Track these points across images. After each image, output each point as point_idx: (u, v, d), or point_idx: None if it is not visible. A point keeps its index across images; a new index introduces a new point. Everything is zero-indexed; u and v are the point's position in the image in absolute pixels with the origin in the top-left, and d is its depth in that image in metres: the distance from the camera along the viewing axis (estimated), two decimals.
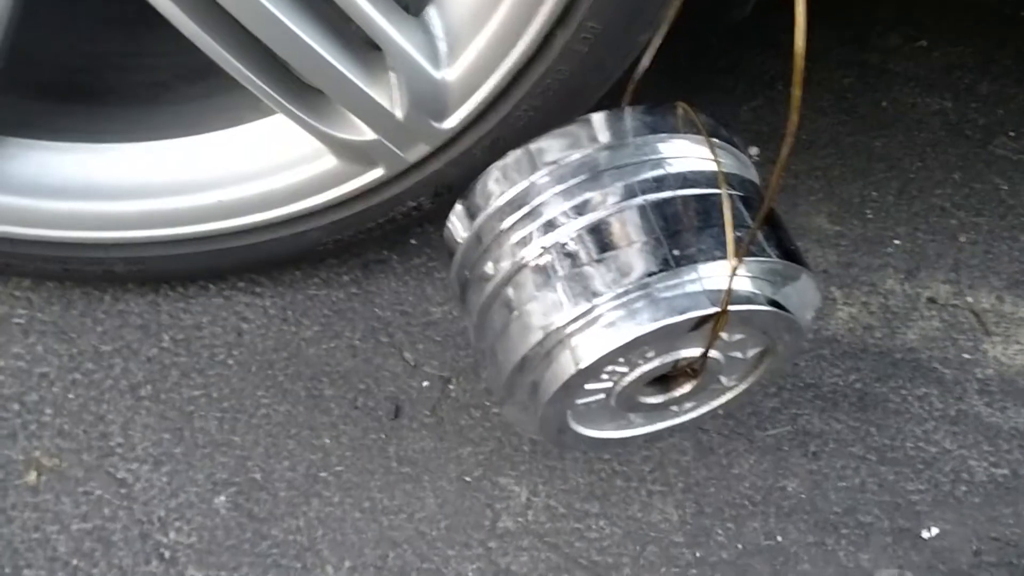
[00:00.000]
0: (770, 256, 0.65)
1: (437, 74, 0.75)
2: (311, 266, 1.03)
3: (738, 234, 0.64)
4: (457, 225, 0.73)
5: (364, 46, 0.75)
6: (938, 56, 1.26)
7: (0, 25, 0.71)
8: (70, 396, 0.94)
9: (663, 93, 1.13)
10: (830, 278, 1.07)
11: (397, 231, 0.94)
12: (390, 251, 1.05)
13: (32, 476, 0.90)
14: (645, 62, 0.71)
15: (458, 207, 0.73)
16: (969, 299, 1.08)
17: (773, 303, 0.65)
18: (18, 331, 0.97)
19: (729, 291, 0.62)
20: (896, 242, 1.11)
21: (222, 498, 0.91)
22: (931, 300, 1.07)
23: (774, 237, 0.66)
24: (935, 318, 1.06)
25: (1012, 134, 1.20)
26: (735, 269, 0.62)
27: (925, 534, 0.95)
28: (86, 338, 0.97)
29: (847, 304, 1.06)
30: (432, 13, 0.74)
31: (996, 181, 1.16)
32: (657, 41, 0.70)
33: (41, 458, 0.91)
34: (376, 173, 0.84)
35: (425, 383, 0.98)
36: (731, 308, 0.63)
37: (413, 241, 1.06)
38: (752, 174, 0.73)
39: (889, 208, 1.13)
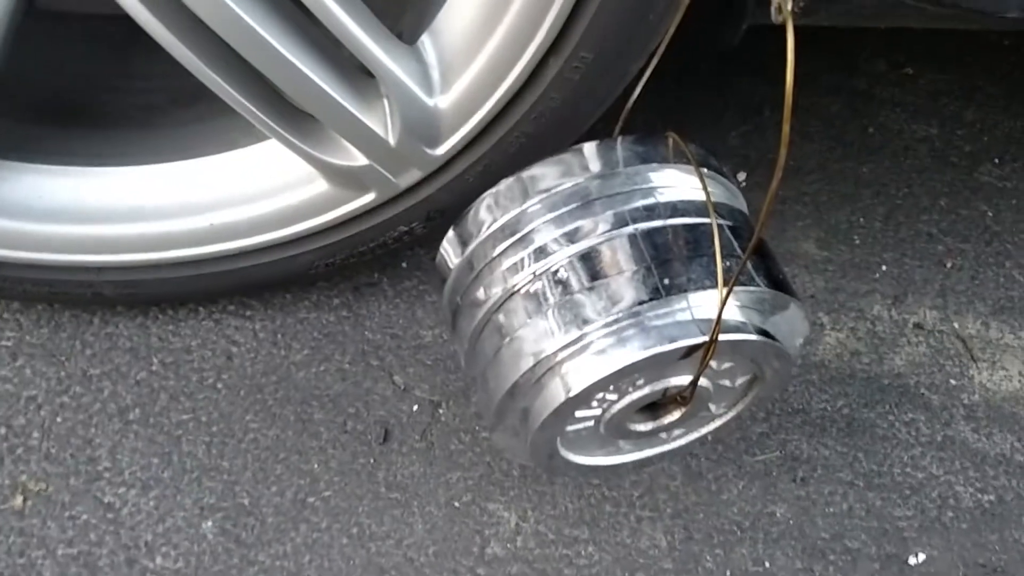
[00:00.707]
0: (759, 285, 0.65)
1: (430, 101, 0.76)
2: (302, 289, 1.03)
3: (727, 263, 0.64)
4: (449, 251, 0.74)
5: (357, 73, 0.76)
6: (924, 83, 1.27)
7: None
8: (58, 420, 0.94)
9: (652, 118, 1.14)
10: (818, 303, 1.08)
11: (388, 255, 0.94)
12: (381, 274, 1.05)
13: (18, 500, 0.90)
14: (636, 92, 0.72)
15: (450, 234, 0.73)
16: (956, 325, 1.09)
17: (762, 332, 0.66)
18: (6, 354, 0.96)
19: (719, 320, 0.62)
20: (883, 268, 1.12)
21: (209, 523, 0.91)
22: (918, 326, 1.08)
23: (763, 267, 0.67)
24: (922, 344, 1.07)
25: (997, 161, 1.21)
26: (725, 299, 0.62)
27: (912, 560, 0.95)
28: (75, 361, 0.97)
29: (835, 329, 1.07)
30: (426, 41, 0.75)
31: (982, 208, 1.17)
32: (648, 72, 0.71)
33: (27, 482, 0.91)
34: (368, 198, 0.84)
35: (415, 407, 0.98)
36: (720, 337, 0.63)
37: (404, 264, 1.06)
38: (741, 203, 0.74)
39: (876, 234, 1.14)
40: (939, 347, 1.07)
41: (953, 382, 1.05)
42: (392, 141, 0.77)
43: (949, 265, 1.13)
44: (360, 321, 1.02)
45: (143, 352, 0.98)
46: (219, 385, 0.97)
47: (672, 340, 0.63)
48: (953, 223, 1.16)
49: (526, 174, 0.69)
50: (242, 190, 0.84)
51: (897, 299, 1.10)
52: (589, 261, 0.66)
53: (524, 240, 0.68)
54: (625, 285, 0.63)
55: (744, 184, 1.15)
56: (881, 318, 1.08)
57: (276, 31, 0.69)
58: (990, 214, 1.17)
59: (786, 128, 0.53)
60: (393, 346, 1.01)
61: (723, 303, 0.62)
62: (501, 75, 0.73)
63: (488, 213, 0.70)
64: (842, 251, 1.12)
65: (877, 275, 1.11)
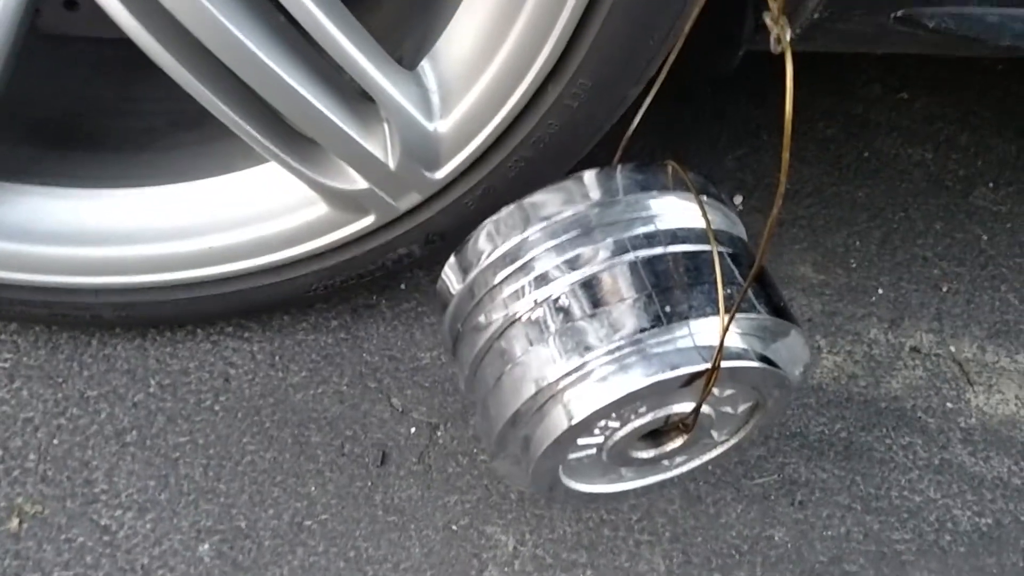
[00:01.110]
0: (760, 313, 0.65)
1: (430, 125, 0.76)
2: (300, 311, 1.03)
3: (728, 291, 0.64)
4: (451, 278, 0.74)
5: (357, 97, 0.76)
6: (919, 108, 1.28)
7: None
8: (55, 442, 0.93)
9: (650, 143, 1.14)
10: (815, 327, 1.08)
11: (387, 276, 0.94)
12: (380, 296, 1.05)
13: (14, 523, 0.89)
14: (636, 120, 0.72)
15: (452, 260, 0.73)
16: (952, 349, 1.09)
17: (763, 359, 0.66)
18: (3, 375, 0.96)
19: (720, 347, 0.62)
20: (879, 291, 1.12)
21: (206, 546, 0.90)
22: (914, 349, 1.09)
23: (764, 294, 0.67)
24: (919, 367, 1.07)
25: (991, 185, 1.22)
26: (726, 326, 0.63)
27: None
28: (72, 383, 0.97)
29: (832, 353, 1.07)
30: (426, 67, 0.75)
31: (977, 232, 1.18)
32: (648, 100, 0.72)
33: (24, 505, 0.90)
34: (367, 221, 0.84)
35: (412, 429, 0.97)
36: (722, 364, 0.63)
37: (403, 286, 1.06)
38: (740, 230, 0.74)
39: (872, 258, 1.15)
40: (936, 370, 1.07)
41: (950, 405, 1.05)
42: (392, 165, 0.77)
43: (945, 289, 1.13)
44: (358, 343, 1.02)
45: (141, 374, 0.98)
46: (216, 407, 0.97)
47: (674, 367, 0.63)
48: (948, 247, 1.17)
49: (527, 201, 0.70)
50: (241, 212, 0.84)
51: (894, 322, 1.10)
52: (590, 289, 0.66)
53: (525, 267, 0.69)
54: (627, 313, 0.64)
55: (741, 208, 1.15)
56: (878, 341, 1.08)
57: (277, 56, 0.70)
58: (985, 238, 1.18)
59: (786, 156, 0.53)
60: (391, 368, 1.01)
61: (724, 330, 0.63)
62: (501, 100, 0.74)
63: (489, 241, 0.71)
64: (839, 274, 1.13)
65: (873, 298, 1.12)
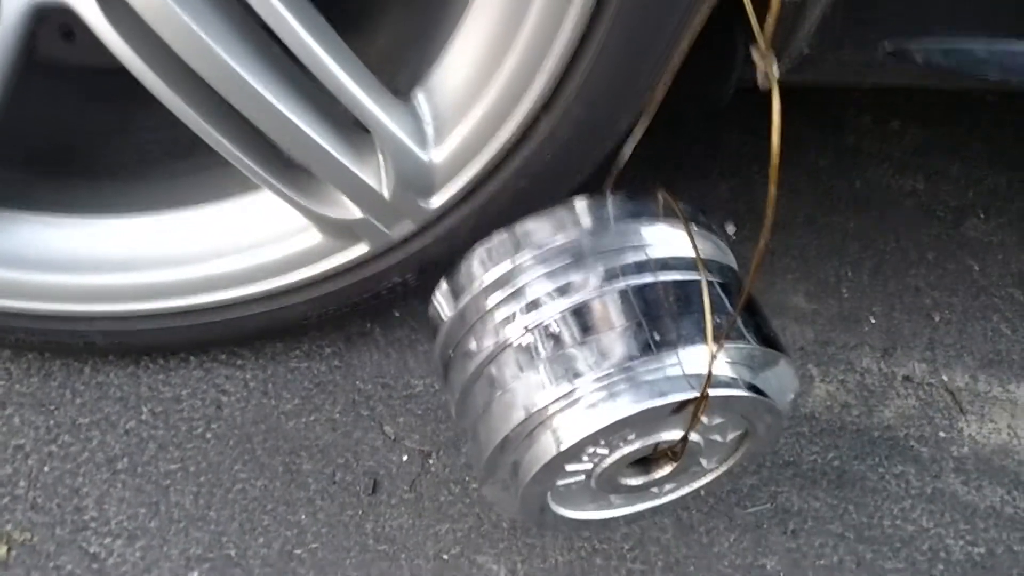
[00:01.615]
0: (749, 342, 0.66)
1: (424, 155, 0.77)
2: (293, 338, 1.03)
3: (717, 319, 0.65)
4: (442, 303, 0.74)
5: (352, 127, 0.77)
6: (910, 138, 1.29)
7: None
8: (45, 469, 0.93)
9: (642, 172, 1.15)
10: (807, 356, 1.09)
11: (381, 304, 0.94)
12: (373, 323, 1.05)
13: (2, 550, 0.89)
14: (627, 151, 0.73)
15: (443, 286, 0.74)
16: (944, 378, 1.09)
17: (752, 388, 0.66)
18: None
19: (709, 376, 0.63)
20: (872, 320, 1.12)
21: (196, 574, 0.90)
22: (907, 378, 1.09)
23: (753, 323, 0.68)
24: (911, 396, 1.08)
25: (982, 216, 1.23)
26: (715, 354, 0.63)
27: None
28: (64, 410, 0.96)
29: (824, 382, 1.07)
30: (420, 98, 0.76)
31: (968, 262, 1.19)
32: (640, 131, 0.72)
33: (12, 532, 0.90)
34: (361, 249, 0.85)
35: (404, 457, 0.97)
36: (711, 392, 0.63)
37: (397, 314, 1.06)
38: (730, 259, 0.75)
39: (864, 287, 1.15)
40: (928, 400, 1.08)
41: (943, 434, 1.06)
42: (387, 194, 0.78)
43: (937, 318, 1.14)
44: (351, 371, 1.02)
45: (133, 401, 0.98)
46: (208, 435, 0.97)
47: (663, 395, 0.63)
48: (940, 277, 1.17)
49: (519, 228, 0.70)
50: (235, 241, 0.85)
51: (886, 351, 1.10)
52: (581, 316, 0.66)
53: (516, 294, 0.69)
54: (616, 340, 0.64)
55: (734, 237, 1.16)
56: (870, 370, 1.09)
57: (274, 86, 0.71)
58: (976, 268, 1.18)
59: (772, 189, 0.54)
60: (384, 396, 1.01)
61: (713, 358, 0.63)
62: (494, 131, 0.75)
63: (481, 266, 0.71)
64: (831, 304, 1.13)
65: (866, 328, 1.12)
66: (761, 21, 0.53)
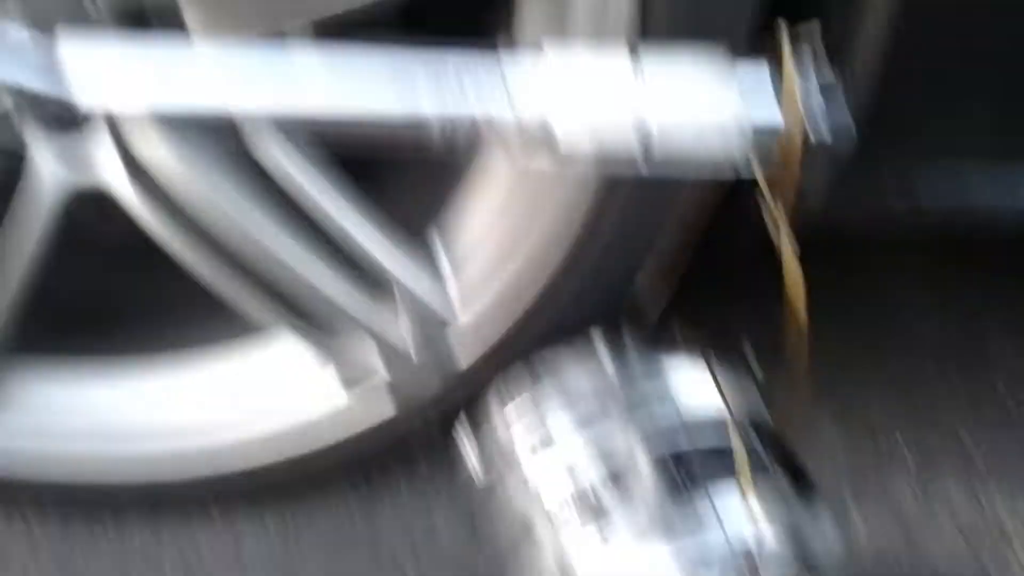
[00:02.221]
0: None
1: (453, 320, 0.79)
2: (315, 486, 1.01)
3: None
4: (468, 450, 0.74)
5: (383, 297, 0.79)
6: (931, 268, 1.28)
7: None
8: None
9: (668, 312, 1.14)
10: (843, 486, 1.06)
11: (408, 453, 0.94)
12: (398, 470, 1.03)
13: None
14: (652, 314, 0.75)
15: (467, 431, 0.75)
16: (987, 509, 1.06)
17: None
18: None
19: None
20: (906, 452, 1.10)
21: None
22: (949, 510, 1.05)
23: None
24: (955, 530, 1.04)
25: (1013, 342, 1.21)
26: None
27: None
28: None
29: (864, 521, 1.04)
30: (449, 279, 0.80)
31: (1001, 389, 1.16)
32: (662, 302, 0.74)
33: None
34: (388, 412, 0.85)
35: None
36: None
37: (422, 462, 1.04)
38: (762, 410, 0.74)
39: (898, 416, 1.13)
40: (971, 532, 1.04)
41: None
42: (414, 357, 0.79)
43: (975, 447, 1.11)
44: (374, 520, 1.00)
45: (155, 560, 0.95)
46: None
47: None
48: (974, 404, 1.15)
49: (543, 373, 0.71)
50: (263, 406, 0.86)
51: (924, 482, 1.07)
52: (610, 471, 0.65)
53: (544, 441, 0.68)
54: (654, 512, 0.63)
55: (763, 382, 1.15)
56: (907, 500, 1.05)
57: (313, 268, 0.75)
58: (1011, 400, 1.16)
59: (798, 350, 0.53)
60: (409, 554, 0.98)
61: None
62: (518, 297, 0.77)
63: (505, 412, 0.72)
64: (861, 433, 1.11)
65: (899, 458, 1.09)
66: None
